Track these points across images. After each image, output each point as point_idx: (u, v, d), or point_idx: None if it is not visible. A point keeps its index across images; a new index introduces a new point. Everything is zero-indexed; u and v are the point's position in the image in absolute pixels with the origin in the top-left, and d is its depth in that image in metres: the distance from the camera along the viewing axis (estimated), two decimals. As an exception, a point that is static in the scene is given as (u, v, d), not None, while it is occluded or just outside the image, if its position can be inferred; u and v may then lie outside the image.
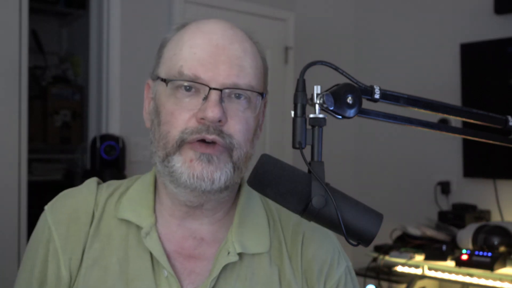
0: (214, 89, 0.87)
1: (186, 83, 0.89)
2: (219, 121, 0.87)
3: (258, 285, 0.95)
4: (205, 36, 0.91)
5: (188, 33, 0.93)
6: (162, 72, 0.94)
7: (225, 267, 0.93)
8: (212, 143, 0.88)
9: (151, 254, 0.93)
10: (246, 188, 1.01)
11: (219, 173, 0.88)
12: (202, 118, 0.87)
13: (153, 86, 0.97)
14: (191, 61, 0.89)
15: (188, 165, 0.88)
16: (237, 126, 0.90)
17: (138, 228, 0.95)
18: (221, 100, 0.88)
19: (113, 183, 1.04)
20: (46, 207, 1.00)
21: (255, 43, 0.98)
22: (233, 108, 0.90)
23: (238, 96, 0.90)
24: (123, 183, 1.04)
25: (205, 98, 0.88)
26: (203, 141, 0.88)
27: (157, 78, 0.95)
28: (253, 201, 1.01)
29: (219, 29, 0.92)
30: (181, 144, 0.88)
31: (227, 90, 0.89)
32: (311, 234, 1.01)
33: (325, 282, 0.98)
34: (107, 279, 0.93)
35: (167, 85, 0.90)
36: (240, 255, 0.94)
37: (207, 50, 0.89)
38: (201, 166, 0.87)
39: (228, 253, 0.93)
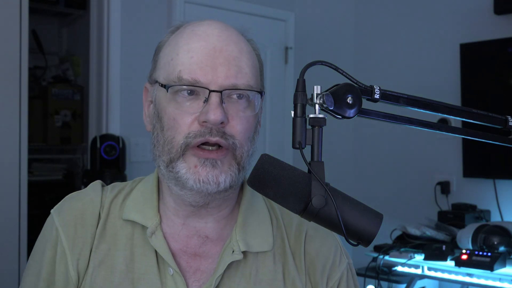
0: (214, 91, 0.88)
1: (186, 88, 0.90)
2: (221, 122, 0.88)
3: (262, 282, 0.96)
4: (201, 39, 0.91)
5: (184, 37, 0.93)
6: (161, 77, 0.94)
7: (229, 265, 0.94)
8: (216, 145, 0.89)
9: (156, 253, 0.95)
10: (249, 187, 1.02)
11: (224, 176, 0.89)
12: (205, 121, 0.88)
13: (151, 89, 0.98)
14: (189, 65, 0.90)
15: (193, 171, 0.89)
16: (238, 127, 0.91)
17: (143, 228, 0.97)
18: (221, 101, 0.88)
19: (117, 185, 1.05)
20: (52, 211, 1.01)
21: (249, 41, 0.98)
22: (234, 109, 0.91)
23: (238, 96, 0.91)
24: (127, 184, 1.05)
25: (206, 101, 0.88)
26: (206, 143, 0.89)
27: (155, 82, 0.96)
28: (256, 200, 1.03)
29: (214, 31, 0.93)
30: (185, 149, 0.89)
31: (226, 92, 0.89)
32: (314, 232, 1.02)
33: (327, 279, 1.00)
34: (114, 278, 0.95)
35: (167, 90, 0.91)
36: (244, 253, 0.96)
37: (204, 53, 0.90)
38: (206, 171, 0.88)
39: (233, 251, 0.95)
